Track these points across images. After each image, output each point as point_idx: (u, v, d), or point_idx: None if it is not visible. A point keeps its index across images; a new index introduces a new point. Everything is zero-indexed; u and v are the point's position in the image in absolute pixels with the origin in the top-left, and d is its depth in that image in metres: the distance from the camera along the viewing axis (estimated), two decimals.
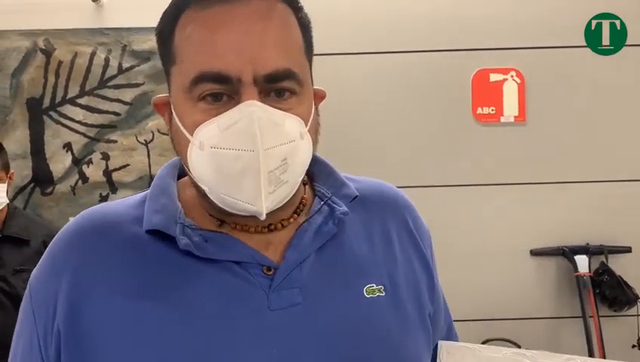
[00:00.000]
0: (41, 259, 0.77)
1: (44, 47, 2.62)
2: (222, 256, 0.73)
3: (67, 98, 2.63)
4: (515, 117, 2.65)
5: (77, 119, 2.62)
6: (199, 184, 0.72)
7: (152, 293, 0.70)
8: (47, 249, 0.77)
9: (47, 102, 2.62)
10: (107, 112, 2.63)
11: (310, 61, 0.76)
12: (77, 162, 2.62)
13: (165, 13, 0.75)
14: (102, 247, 0.73)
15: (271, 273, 0.73)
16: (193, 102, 0.70)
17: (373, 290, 0.76)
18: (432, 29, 2.66)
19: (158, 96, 0.78)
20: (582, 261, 2.57)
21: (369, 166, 2.65)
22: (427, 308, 0.82)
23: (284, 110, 0.70)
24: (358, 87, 2.65)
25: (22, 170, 2.57)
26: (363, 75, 2.65)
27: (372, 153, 2.65)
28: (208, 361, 0.68)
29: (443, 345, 0.86)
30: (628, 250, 2.61)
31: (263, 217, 0.70)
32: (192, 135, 0.70)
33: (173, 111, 0.73)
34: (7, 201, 2.26)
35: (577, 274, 2.56)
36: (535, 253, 2.64)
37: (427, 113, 2.67)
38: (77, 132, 2.62)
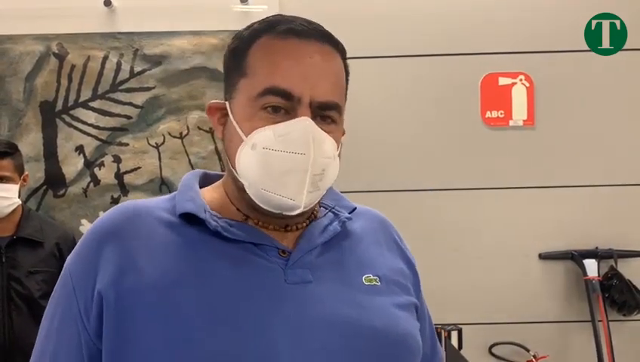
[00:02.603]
0: (79, 241, 0.86)
1: (57, 52, 2.65)
2: (244, 238, 0.84)
3: (79, 101, 2.66)
4: (524, 121, 2.66)
5: (89, 122, 2.66)
6: (240, 179, 0.84)
7: (184, 269, 0.81)
8: (85, 233, 0.86)
9: (60, 105, 2.66)
10: (119, 115, 2.66)
11: (345, 102, 0.91)
12: (89, 165, 2.65)
13: (242, 34, 0.89)
14: (142, 226, 0.85)
15: (286, 255, 0.85)
16: (255, 111, 0.83)
17: (370, 279, 0.89)
18: (441, 33, 2.67)
19: (214, 101, 0.91)
20: (591, 265, 2.57)
21: (378, 170, 2.66)
22: (414, 302, 0.94)
23: (326, 132, 0.84)
24: (368, 91, 2.66)
25: (35, 172, 2.60)
26: (372, 79, 2.67)
27: (381, 157, 2.66)
28: (233, 324, 0.78)
29: None
30: (637, 254, 2.60)
31: (298, 211, 0.83)
32: (246, 136, 0.83)
33: (230, 115, 0.86)
34: (19, 202, 2.29)
35: (586, 278, 2.56)
36: (544, 256, 2.64)
37: (436, 117, 2.68)
38: (89, 135, 2.66)
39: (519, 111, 2.66)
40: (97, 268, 0.81)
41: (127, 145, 2.66)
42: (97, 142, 2.66)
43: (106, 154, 2.66)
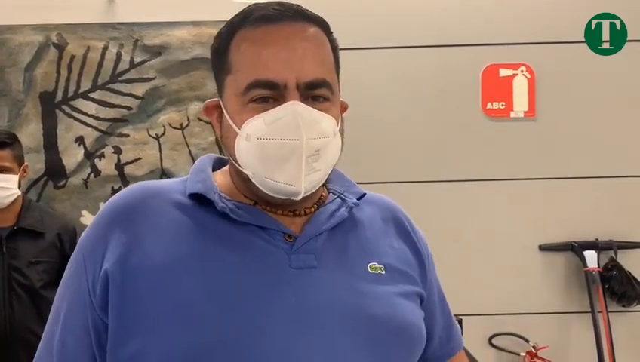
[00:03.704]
0: (95, 217, 0.88)
1: (56, 42, 2.65)
2: (251, 221, 0.85)
3: (79, 92, 2.66)
4: (525, 112, 2.66)
5: (89, 113, 2.65)
6: (244, 170, 0.85)
7: (190, 248, 0.82)
8: (100, 211, 0.88)
9: (59, 96, 2.65)
10: (119, 106, 2.66)
11: (338, 76, 0.91)
12: (89, 156, 2.65)
13: (221, 32, 0.89)
14: (153, 206, 0.86)
15: (291, 240, 0.86)
16: (244, 104, 0.84)
17: (375, 268, 0.89)
18: (442, 24, 2.66)
19: (210, 100, 0.91)
20: (591, 256, 2.57)
21: (379, 161, 2.66)
22: (419, 292, 0.94)
23: (321, 111, 0.84)
24: (369, 82, 2.65)
25: (35, 163, 2.60)
26: (373, 70, 2.66)
27: (382, 148, 2.66)
28: (234, 307, 0.79)
29: None
30: (637, 245, 2.61)
31: (301, 196, 0.83)
32: (239, 129, 0.84)
33: (224, 111, 0.87)
34: (19, 193, 2.29)
35: (586, 269, 2.57)
36: (544, 248, 2.65)
37: (437, 108, 2.67)
38: (89, 126, 2.65)
39: (520, 103, 2.66)
40: (107, 246, 0.83)
41: (127, 136, 2.66)
42: (98, 133, 2.65)
43: (107, 145, 2.65)
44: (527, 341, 2.56)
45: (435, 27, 2.66)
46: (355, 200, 0.92)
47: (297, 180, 0.82)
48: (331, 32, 0.90)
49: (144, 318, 0.79)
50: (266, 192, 0.85)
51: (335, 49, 0.90)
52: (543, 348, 2.53)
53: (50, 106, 2.65)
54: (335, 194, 0.93)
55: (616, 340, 2.49)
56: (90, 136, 2.65)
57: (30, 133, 2.62)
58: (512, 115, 2.66)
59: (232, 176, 0.91)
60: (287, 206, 0.87)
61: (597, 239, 2.61)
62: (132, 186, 0.90)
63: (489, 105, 2.66)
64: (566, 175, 2.65)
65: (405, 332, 0.87)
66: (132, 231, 0.83)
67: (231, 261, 0.82)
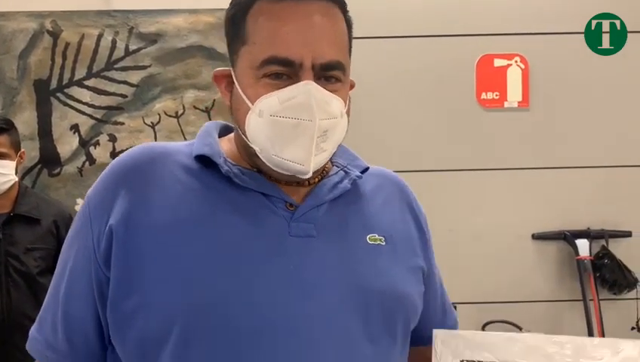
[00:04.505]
0: (101, 174, 0.89)
1: (51, 29, 2.63)
2: (254, 187, 0.87)
3: (74, 80, 2.64)
4: (519, 102, 2.68)
5: (84, 101, 2.64)
6: (252, 145, 0.85)
7: (193, 209, 0.84)
8: (107, 168, 0.89)
9: (54, 83, 2.64)
10: (114, 94, 2.64)
11: (350, 55, 0.90)
12: (84, 144, 2.64)
13: (238, 1, 0.88)
14: (159, 166, 0.87)
15: (293, 209, 0.87)
16: (257, 78, 0.84)
17: (375, 239, 0.90)
18: (437, 14, 2.67)
19: (219, 68, 0.91)
20: (583, 245, 2.61)
21: (373, 150, 2.66)
22: (420, 265, 0.95)
23: (331, 92, 0.84)
24: (363, 72, 2.65)
25: (29, 151, 2.58)
26: (367, 60, 2.66)
27: (376, 137, 2.66)
28: (232, 269, 0.81)
29: (438, 333, 0.88)
30: (628, 234, 2.64)
31: (309, 175, 0.85)
32: (252, 104, 0.84)
33: (235, 82, 0.87)
34: (16, 179, 2.28)
35: (578, 257, 2.60)
36: (537, 236, 2.68)
37: (431, 98, 2.69)
38: (84, 113, 2.64)
39: (514, 93, 2.68)
40: (113, 203, 0.84)
41: (122, 124, 2.65)
42: (93, 121, 2.64)
43: (102, 133, 2.64)
44: (520, 328, 2.59)
45: (430, 17, 2.67)
46: (358, 173, 0.93)
47: (307, 160, 0.83)
48: (347, 11, 0.90)
49: (145, 276, 0.80)
50: (272, 168, 0.85)
51: (350, 27, 0.90)
52: None
53: (44, 94, 2.63)
54: (339, 167, 0.94)
55: (607, 327, 2.53)
56: (85, 124, 2.64)
57: (24, 121, 2.60)
58: (506, 104, 2.68)
59: (237, 145, 0.92)
60: (291, 176, 0.88)
61: (589, 228, 2.64)
62: (139, 146, 0.91)
63: (483, 95, 2.68)
64: (559, 165, 2.68)
65: (399, 303, 0.88)
66: (138, 190, 0.84)
67: (232, 225, 0.83)
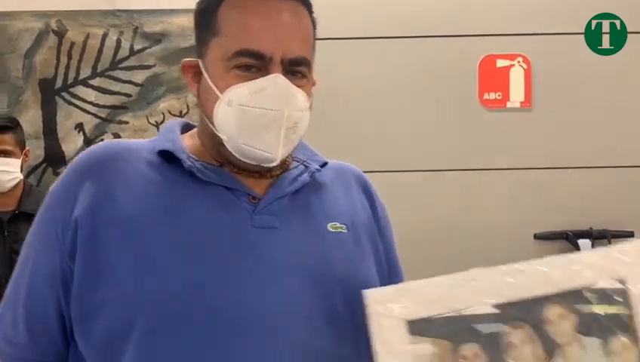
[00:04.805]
0: (64, 171, 0.91)
1: (56, 29, 2.65)
2: (217, 181, 0.89)
3: (79, 79, 2.66)
4: (522, 102, 2.69)
5: (89, 100, 2.66)
6: (219, 134, 0.88)
7: (156, 202, 0.86)
8: (70, 164, 0.91)
9: (59, 83, 2.66)
10: (119, 94, 2.66)
11: (314, 54, 0.94)
12: (89, 142, 2.65)
13: None
14: (122, 161, 0.89)
15: (255, 201, 0.90)
16: (228, 69, 0.86)
17: (336, 227, 0.93)
18: (440, 14, 2.68)
19: (188, 59, 0.93)
20: (585, 245, 2.60)
21: (375, 150, 2.68)
22: (380, 250, 0.98)
23: (297, 87, 0.88)
24: (366, 73, 2.68)
25: (34, 150, 2.60)
26: (371, 61, 2.68)
27: (379, 138, 2.68)
28: (196, 261, 0.83)
29: (370, 294, 0.80)
30: (630, 234, 2.64)
31: (275, 163, 0.88)
32: (222, 94, 0.86)
33: (204, 72, 0.89)
34: (21, 177, 2.30)
35: None
36: (539, 236, 2.68)
37: (434, 98, 2.69)
38: (89, 113, 2.66)
39: (517, 93, 2.69)
40: (77, 197, 0.86)
41: (127, 123, 2.67)
42: (97, 120, 2.66)
43: (106, 132, 2.66)
44: None
45: (433, 17, 2.68)
46: (317, 167, 0.97)
47: (275, 148, 0.86)
48: (313, 11, 0.94)
49: (110, 268, 0.82)
50: (238, 157, 0.88)
51: (314, 27, 0.94)
52: None
53: (49, 93, 2.65)
54: (298, 162, 0.97)
55: None
56: (89, 123, 2.66)
57: (29, 120, 2.62)
58: (509, 105, 2.69)
59: (201, 138, 0.94)
60: (254, 168, 0.90)
61: (591, 228, 2.64)
62: (101, 143, 0.94)
63: (486, 96, 2.69)
64: (561, 165, 2.68)
65: (358, 290, 0.87)
66: (102, 184, 0.86)
67: (196, 218, 0.85)
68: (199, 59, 0.91)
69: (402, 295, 0.78)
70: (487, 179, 2.69)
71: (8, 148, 2.23)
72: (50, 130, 2.64)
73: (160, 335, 0.81)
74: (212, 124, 0.88)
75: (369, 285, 0.88)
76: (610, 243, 2.61)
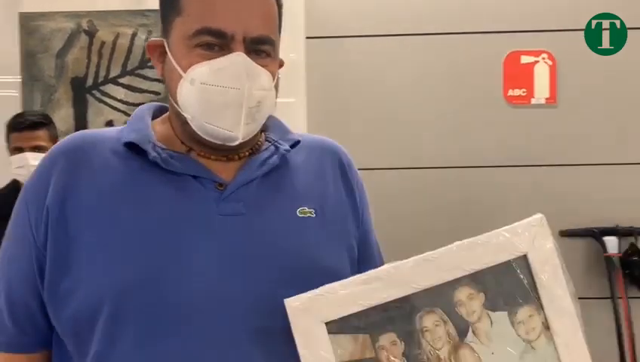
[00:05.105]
0: (36, 166, 0.93)
1: (87, 29, 2.72)
2: (183, 170, 0.89)
3: (109, 77, 2.73)
4: (546, 99, 2.68)
5: (119, 98, 2.73)
6: (183, 113, 0.88)
7: (122, 192, 0.87)
8: (41, 159, 0.93)
9: (90, 81, 2.73)
10: (147, 92, 2.72)
11: (280, 34, 0.94)
12: None
13: None
14: (90, 152, 0.90)
15: (222, 188, 0.89)
16: (190, 48, 0.87)
17: (305, 212, 0.92)
18: (464, 11, 2.69)
19: (152, 39, 0.94)
20: (611, 242, 2.59)
21: (402, 147, 2.70)
22: (352, 234, 0.98)
23: (262, 66, 0.88)
24: (391, 69, 2.70)
25: None
26: (395, 57, 2.70)
27: (404, 134, 2.70)
28: (160, 247, 0.84)
29: (291, 302, 0.81)
30: None
31: (237, 142, 0.88)
32: (184, 73, 0.86)
33: (168, 52, 0.90)
34: None
35: (607, 255, 2.58)
36: (565, 233, 2.67)
37: (458, 94, 2.70)
38: (118, 110, 2.73)
39: (541, 90, 2.68)
40: (48, 186, 0.87)
41: None
42: (127, 118, 2.71)
43: None
44: None
45: (457, 14, 2.69)
46: (287, 147, 0.95)
47: (236, 127, 0.86)
48: None
49: (76, 258, 0.84)
50: (202, 136, 0.88)
51: (280, 7, 0.93)
52: None
53: (81, 91, 2.73)
54: (270, 142, 0.97)
55: (636, 325, 2.51)
56: (119, 120, 2.72)
57: (62, 118, 2.70)
58: (533, 101, 2.69)
59: (171, 121, 0.94)
60: (221, 151, 0.91)
61: (617, 225, 2.62)
62: (71, 135, 0.94)
63: (510, 92, 2.69)
64: (587, 161, 2.67)
65: (326, 277, 0.86)
66: (69, 176, 0.87)
67: (160, 208, 0.86)
68: (164, 39, 0.91)
69: (319, 299, 0.81)
70: (511, 175, 2.69)
71: (42, 143, 2.30)
72: (81, 127, 2.71)
73: (123, 323, 0.81)
74: (176, 103, 0.88)
75: (335, 270, 0.89)
76: (636, 240, 2.60)
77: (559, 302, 0.86)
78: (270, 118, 0.98)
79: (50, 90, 2.72)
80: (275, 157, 0.94)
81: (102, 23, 2.72)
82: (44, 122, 2.34)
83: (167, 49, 0.90)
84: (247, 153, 0.94)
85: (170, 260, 0.83)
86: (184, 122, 0.89)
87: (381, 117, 2.68)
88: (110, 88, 2.73)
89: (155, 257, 0.83)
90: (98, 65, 2.72)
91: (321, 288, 0.82)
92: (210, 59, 0.85)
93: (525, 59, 2.68)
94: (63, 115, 2.71)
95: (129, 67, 2.72)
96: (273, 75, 0.90)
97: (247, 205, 0.88)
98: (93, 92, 2.73)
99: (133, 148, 0.89)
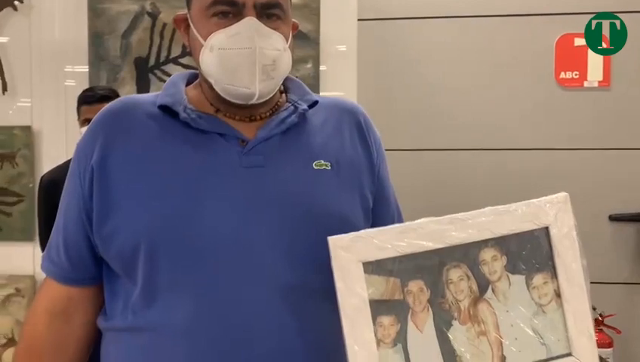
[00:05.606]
0: (86, 128, 1.06)
1: (150, 11, 2.85)
2: (210, 129, 1.00)
3: (170, 58, 2.85)
4: (599, 82, 2.66)
5: None
6: (208, 78, 0.99)
7: (156, 148, 0.99)
8: (90, 122, 1.06)
9: (152, 61, 2.86)
10: None
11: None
12: None
13: None
14: (129, 115, 1.03)
15: (244, 144, 1.00)
16: (208, 18, 0.98)
17: (320, 164, 1.01)
18: None
19: (179, 13, 1.06)
20: None
21: (453, 129, 2.73)
22: (367, 186, 1.06)
23: (273, 29, 0.98)
24: (443, 52, 2.73)
25: None
26: (447, 40, 2.73)
27: (456, 117, 2.73)
28: (189, 193, 0.95)
29: (334, 241, 0.89)
30: None
31: (255, 98, 0.98)
32: (205, 41, 0.97)
33: (191, 24, 1.01)
34: None
35: None
36: (614, 218, 2.66)
37: (510, 77, 2.72)
38: None
39: (594, 73, 2.67)
40: (94, 148, 1.00)
41: None
42: None
43: None
44: (594, 309, 2.58)
45: None
46: (305, 107, 1.05)
47: (252, 84, 0.96)
48: None
49: (117, 203, 0.97)
50: (226, 97, 0.99)
51: None
52: (610, 316, 2.55)
53: (143, 71, 2.86)
54: (290, 103, 1.06)
55: None
56: None
57: (125, 95, 2.83)
58: (586, 84, 2.68)
59: (201, 86, 1.05)
60: (245, 111, 1.01)
61: None
62: (116, 100, 1.07)
63: (562, 75, 2.69)
64: (638, 145, 2.64)
65: (341, 224, 0.95)
66: (111, 136, 1.00)
67: (189, 161, 0.97)
68: (188, 13, 1.03)
69: (359, 240, 0.89)
70: (563, 158, 2.69)
71: None
72: None
73: (159, 260, 0.93)
74: (201, 69, 1.00)
75: (349, 219, 0.99)
76: None
77: (572, 274, 0.94)
78: (291, 80, 1.09)
79: (116, 69, 2.86)
80: (293, 116, 1.03)
81: (164, 5, 2.84)
82: (112, 96, 2.47)
83: (190, 21, 1.01)
84: (268, 113, 1.04)
85: (197, 206, 0.94)
86: (210, 86, 1.00)
87: (430, 100, 2.72)
88: (171, 68, 2.85)
89: (183, 201, 0.94)
90: (160, 46, 2.85)
91: (362, 231, 0.90)
92: (225, 26, 0.96)
93: (578, 42, 2.66)
94: (126, 93, 2.84)
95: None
96: (286, 36, 1.00)
97: (266, 158, 0.99)
98: (155, 71, 2.86)
99: (167, 111, 1.01)
